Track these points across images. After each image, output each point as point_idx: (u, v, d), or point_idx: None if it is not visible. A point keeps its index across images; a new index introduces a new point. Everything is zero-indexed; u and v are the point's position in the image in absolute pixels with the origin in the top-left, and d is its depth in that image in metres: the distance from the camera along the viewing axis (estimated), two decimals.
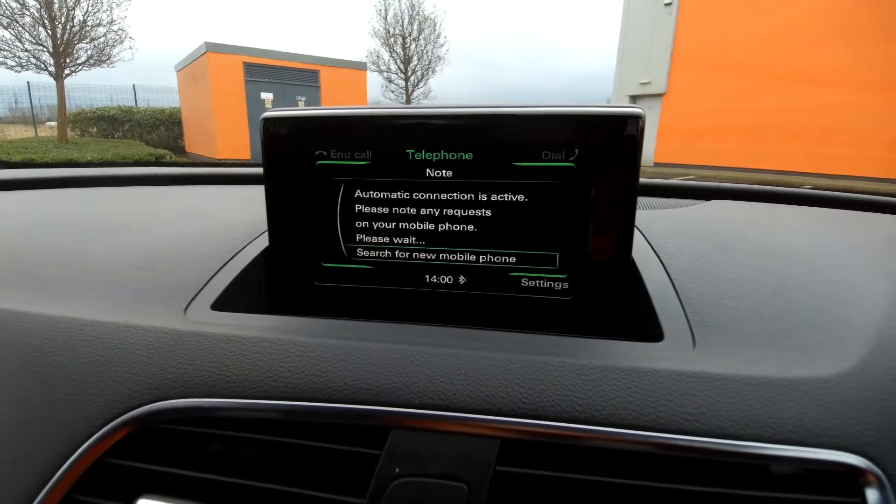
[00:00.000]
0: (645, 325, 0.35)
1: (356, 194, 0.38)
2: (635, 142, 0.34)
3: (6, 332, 0.35)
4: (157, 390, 0.31)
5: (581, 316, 0.38)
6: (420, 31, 16.44)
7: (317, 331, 0.33)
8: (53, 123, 12.65)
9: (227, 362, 0.31)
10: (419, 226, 0.38)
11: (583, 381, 0.29)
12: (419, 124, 0.36)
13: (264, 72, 10.82)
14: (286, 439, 0.30)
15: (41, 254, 0.44)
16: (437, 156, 0.36)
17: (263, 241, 0.44)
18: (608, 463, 0.28)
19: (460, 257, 0.38)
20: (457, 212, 0.37)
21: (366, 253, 0.39)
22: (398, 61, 16.69)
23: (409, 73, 16.73)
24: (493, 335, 0.33)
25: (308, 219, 0.39)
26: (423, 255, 0.39)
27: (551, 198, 0.36)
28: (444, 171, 0.36)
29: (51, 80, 10.76)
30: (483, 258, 0.38)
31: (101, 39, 11.00)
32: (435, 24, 16.51)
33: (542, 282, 0.38)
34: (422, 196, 0.37)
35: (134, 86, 14.30)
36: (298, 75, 11.34)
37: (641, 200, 0.63)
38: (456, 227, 0.37)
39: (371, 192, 0.38)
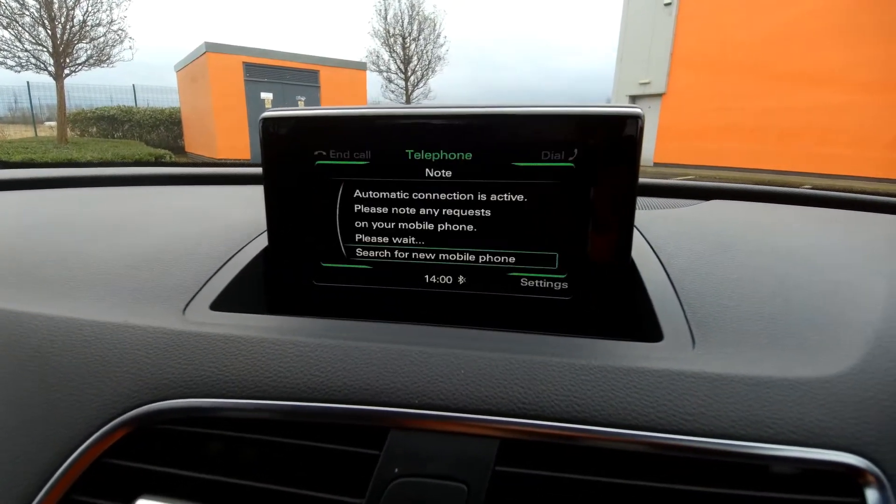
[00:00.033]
0: (644, 326, 0.35)
1: (355, 194, 0.38)
2: (635, 142, 0.34)
3: (5, 332, 0.35)
4: (156, 390, 0.31)
5: (580, 316, 0.38)
6: (420, 31, 16.46)
7: (316, 331, 0.33)
8: (53, 123, 12.65)
9: (226, 362, 0.31)
10: (418, 226, 0.38)
11: (582, 381, 0.29)
12: (418, 124, 0.36)
13: (264, 72, 10.83)
14: (285, 439, 0.30)
15: (40, 254, 0.43)
16: (436, 156, 0.36)
17: (262, 241, 0.44)
18: (607, 463, 0.27)
19: (460, 257, 0.38)
20: (456, 212, 0.37)
21: (365, 253, 0.39)
22: (398, 61, 16.70)
23: (409, 73, 16.74)
24: (492, 335, 0.33)
25: (307, 219, 0.39)
26: (422, 255, 0.39)
27: (551, 198, 0.36)
28: (443, 171, 0.36)
29: (50, 80, 10.76)
30: (482, 258, 0.38)
31: (101, 39, 11.02)
32: (435, 24, 16.53)
33: (541, 282, 0.38)
34: (421, 196, 0.37)
35: (134, 86, 14.31)
36: (298, 75, 11.34)
37: (641, 200, 0.63)
38: (455, 227, 0.37)
39: (370, 192, 0.38)
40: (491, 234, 0.37)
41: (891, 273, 0.37)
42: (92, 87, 13.68)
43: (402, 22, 16.31)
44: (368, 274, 0.40)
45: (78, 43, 10.65)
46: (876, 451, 0.25)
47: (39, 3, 9.91)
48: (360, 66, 13.01)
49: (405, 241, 0.38)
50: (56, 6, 10.13)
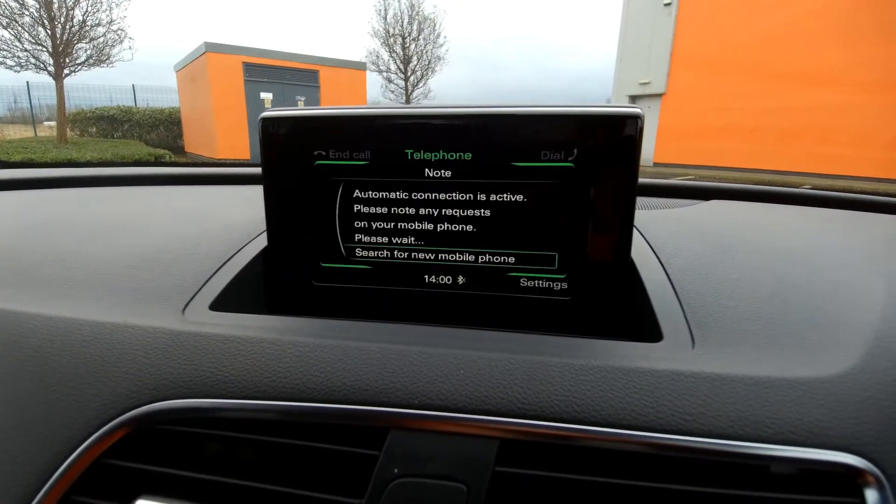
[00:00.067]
0: (644, 326, 0.35)
1: (355, 194, 0.38)
2: (634, 142, 0.34)
3: (4, 332, 0.35)
4: (155, 391, 0.31)
5: (580, 316, 0.38)
6: (420, 31, 16.46)
7: (315, 331, 0.33)
8: (52, 123, 12.64)
9: (225, 363, 0.31)
10: (418, 226, 0.38)
11: (582, 381, 0.28)
12: (418, 124, 0.36)
13: (264, 72, 10.82)
14: (284, 440, 0.30)
15: (39, 254, 0.43)
16: (435, 156, 0.36)
17: (262, 242, 0.44)
18: (607, 463, 0.27)
19: (459, 257, 0.38)
20: (455, 212, 0.37)
21: (364, 253, 0.39)
22: (398, 61, 16.70)
23: (409, 73, 16.74)
24: (491, 335, 0.33)
25: (307, 219, 0.39)
26: (421, 256, 0.39)
27: (550, 198, 0.36)
28: (442, 171, 0.36)
29: (50, 80, 10.76)
30: (482, 258, 0.38)
31: (101, 39, 11.01)
32: (435, 24, 16.53)
33: (541, 282, 0.38)
34: (420, 196, 0.37)
35: (133, 86, 14.31)
36: (298, 75, 11.34)
37: (641, 200, 0.63)
38: (455, 227, 0.37)
39: (370, 192, 0.38)
40: (490, 234, 0.37)
41: (890, 273, 0.37)
42: (91, 87, 13.68)
43: (402, 22, 16.33)
44: (368, 274, 0.40)
45: (77, 43, 10.64)
46: (875, 451, 0.25)
47: (39, 3, 9.91)
48: (360, 66, 13.01)
49: (405, 241, 0.38)
50: (56, 6, 10.12)
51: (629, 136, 0.34)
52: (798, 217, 0.56)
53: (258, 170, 0.41)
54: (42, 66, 10.43)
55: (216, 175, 0.78)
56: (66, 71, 10.66)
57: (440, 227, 0.38)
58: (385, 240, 0.39)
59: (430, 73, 16.88)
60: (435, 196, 0.37)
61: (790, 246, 0.42)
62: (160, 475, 0.30)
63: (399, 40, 16.40)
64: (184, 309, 0.36)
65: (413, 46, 16.53)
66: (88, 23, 10.70)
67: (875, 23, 7.54)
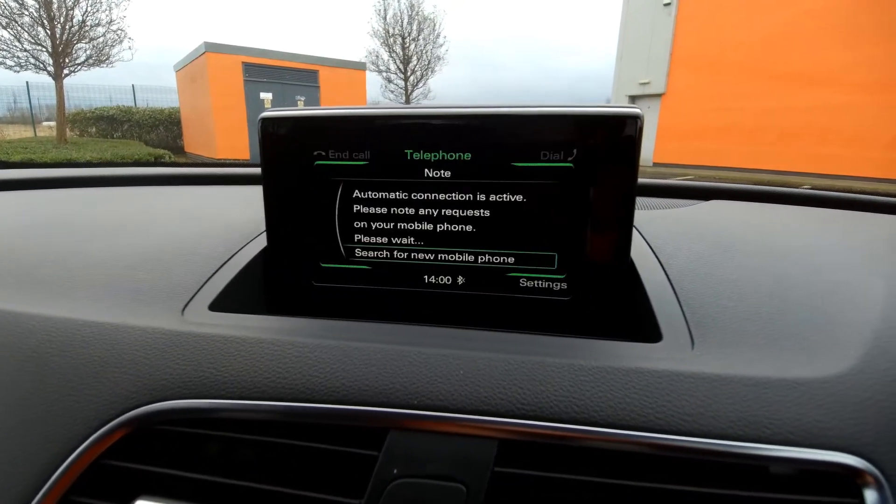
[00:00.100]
0: (643, 326, 0.35)
1: (354, 194, 0.38)
2: (634, 142, 0.34)
3: (3, 332, 0.35)
4: (154, 391, 0.31)
5: (579, 316, 0.38)
6: (419, 30, 16.46)
7: (315, 331, 0.33)
8: (52, 123, 12.64)
9: (224, 363, 0.31)
10: (417, 226, 0.38)
11: (581, 381, 0.28)
12: (418, 124, 0.36)
13: (263, 72, 10.82)
14: (284, 440, 0.30)
15: (39, 254, 0.43)
16: (435, 156, 0.36)
17: (261, 242, 0.44)
18: (606, 463, 0.27)
19: (459, 257, 0.38)
20: (455, 212, 0.37)
21: (364, 253, 0.39)
22: (397, 61, 16.70)
23: (409, 73, 16.74)
24: (491, 336, 0.33)
25: (306, 219, 0.39)
26: (421, 256, 0.39)
27: (550, 198, 0.36)
28: (442, 172, 0.36)
29: (50, 80, 10.75)
30: (481, 258, 0.38)
31: (100, 39, 11.01)
32: (434, 24, 16.53)
33: (540, 282, 0.38)
34: (420, 196, 0.37)
35: (133, 86, 14.31)
36: (297, 75, 11.34)
37: (640, 200, 0.63)
38: (454, 228, 0.37)
39: (369, 193, 0.38)
40: (490, 235, 0.37)
41: (889, 273, 0.37)
42: (91, 87, 13.67)
43: (402, 22, 16.33)
44: (367, 274, 0.40)
45: (77, 43, 10.64)
46: (874, 451, 0.25)
47: (38, 3, 9.90)
48: (360, 66, 13.01)
49: (404, 241, 0.38)
50: (55, 6, 10.12)
51: (629, 137, 0.34)
52: (798, 217, 0.56)
53: (258, 170, 0.41)
54: (42, 66, 10.43)
55: (216, 175, 0.77)
56: (65, 71, 10.66)
57: (440, 227, 0.38)
58: (385, 240, 0.39)
59: (429, 73, 16.90)
60: (434, 196, 0.37)
61: (790, 246, 0.42)
62: (159, 476, 0.30)
63: (399, 40, 16.41)
64: (183, 309, 0.36)
65: (413, 46, 16.54)
66: (88, 23, 10.71)
67: (875, 23, 7.54)
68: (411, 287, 0.39)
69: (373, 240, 0.39)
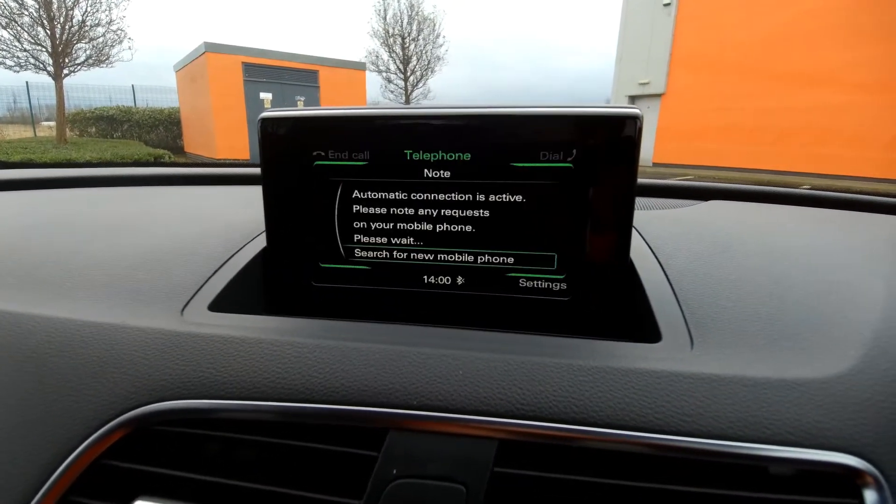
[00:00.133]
0: (643, 326, 0.35)
1: (354, 195, 0.38)
2: (633, 142, 0.34)
3: (3, 333, 0.35)
4: (153, 392, 0.31)
5: (579, 316, 0.38)
6: (419, 31, 16.46)
7: (314, 332, 0.33)
8: (52, 123, 12.64)
9: (224, 363, 0.31)
10: (417, 226, 0.38)
11: (580, 381, 0.29)
12: (417, 125, 0.36)
13: (263, 72, 10.83)
14: (283, 440, 0.30)
15: (38, 255, 0.43)
16: (434, 156, 0.36)
17: (261, 242, 0.44)
18: (606, 464, 0.27)
19: (458, 258, 0.38)
20: (455, 212, 0.37)
21: (364, 253, 0.39)
22: (397, 61, 16.70)
23: (409, 74, 16.74)
24: (490, 336, 0.33)
25: (306, 219, 0.39)
26: (420, 256, 0.39)
27: (549, 198, 0.36)
28: (442, 172, 0.36)
29: (49, 80, 10.75)
30: (481, 259, 0.38)
31: (100, 39, 11.01)
32: (434, 24, 16.53)
33: (540, 282, 0.38)
34: (420, 196, 0.37)
35: (133, 86, 14.31)
36: (297, 75, 11.34)
37: (640, 201, 0.63)
38: (454, 228, 0.37)
39: (369, 193, 0.38)
40: (489, 235, 0.37)
41: (889, 274, 0.37)
42: (91, 87, 13.68)
43: (402, 22, 16.33)
44: (367, 274, 0.40)
45: (77, 43, 10.64)
46: (873, 451, 0.25)
47: (38, 3, 9.90)
48: (360, 67, 13.01)
49: (404, 241, 0.38)
50: (55, 6, 10.12)
51: (628, 137, 0.34)
52: (797, 217, 0.56)
53: (257, 170, 0.41)
54: (41, 66, 10.43)
55: (215, 175, 0.77)
56: (65, 71, 10.66)
57: (439, 227, 0.38)
58: (384, 240, 0.39)
59: (429, 73, 16.90)
60: (434, 196, 0.37)
61: (789, 246, 0.42)
62: (159, 476, 0.30)
63: (398, 40, 16.41)
64: (182, 310, 0.36)
65: (412, 46, 16.54)
66: (88, 23, 10.71)
67: (875, 23, 7.54)
68: (411, 287, 0.39)
69: (372, 240, 0.39)
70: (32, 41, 10.17)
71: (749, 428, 0.26)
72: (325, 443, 0.29)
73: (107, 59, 11.14)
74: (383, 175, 0.37)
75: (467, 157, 0.36)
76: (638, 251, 0.41)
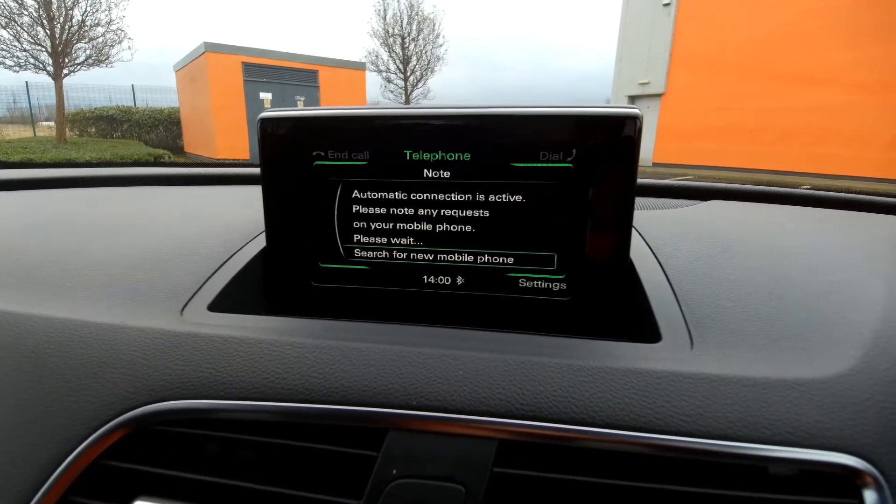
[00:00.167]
0: (642, 326, 0.35)
1: (354, 195, 0.38)
2: (633, 142, 0.34)
3: (2, 333, 0.35)
4: (153, 392, 0.31)
5: (579, 316, 0.38)
6: (419, 30, 16.46)
7: (314, 332, 0.33)
8: (51, 123, 12.64)
9: (223, 364, 0.31)
10: (417, 226, 0.38)
11: (580, 382, 0.28)
12: (417, 125, 0.36)
13: (263, 72, 10.82)
14: (283, 441, 0.30)
15: (38, 254, 0.43)
16: (434, 156, 0.36)
17: (261, 242, 0.44)
18: (605, 464, 0.27)
19: (458, 258, 0.38)
20: (454, 212, 0.37)
21: (363, 253, 0.39)
22: (397, 61, 16.70)
23: (409, 74, 16.73)
24: (490, 336, 0.33)
25: (305, 219, 0.39)
26: (420, 256, 0.39)
27: (549, 198, 0.36)
28: (441, 172, 0.36)
29: (49, 80, 10.75)
30: (481, 259, 0.38)
31: (100, 39, 11.01)
32: (434, 24, 16.53)
33: (539, 282, 0.38)
34: (419, 196, 0.37)
35: (133, 86, 14.31)
36: (297, 75, 11.34)
37: (639, 201, 0.63)
38: (453, 228, 0.37)
39: (369, 193, 0.38)
40: (489, 235, 0.37)
41: (888, 274, 0.37)
42: (91, 87, 13.68)
43: (402, 22, 16.33)
44: (367, 275, 0.40)
45: (77, 43, 10.64)
46: (873, 452, 0.25)
47: (38, 2, 9.90)
48: (359, 66, 13.01)
49: (403, 241, 0.38)
50: (55, 6, 10.11)
51: (628, 137, 0.34)
52: (797, 217, 0.56)
53: (257, 170, 0.41)
54: (41, 66, 10.42)
55: (215, 175, 0.77)
56: (65, 71, 10.66)
57: (439, 227, 0.38)
58: (384, 240, 0.39)
59: (429, 73, 16.90)
60: (434, 196, 0.37)
61: (789, 246, 0.42)
62: (158, 476, 0.30)
63: (398, 40, 16.41)
64: (182, 310, 0.36)
65: (412, 46, 16.54)
66: (87, 23, 10.71)
67: (875, 23, 7.54)
68: (410, 287, 0.39)
69: (372, 240, 0.39)
70: (32, 41, 10.17)
71: (749, 428, 0.26)
72: (324, 443, 0.29)
73: (106, 59, 11.14)
74: (383, 175, 0.37)
75: (467, 157, 0.36)
76: (638, 251, 0.41)
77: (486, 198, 0.36)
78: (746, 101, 9.21)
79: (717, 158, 9.68)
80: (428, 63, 16.76)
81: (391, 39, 16.43)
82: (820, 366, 0.28)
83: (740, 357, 0.29)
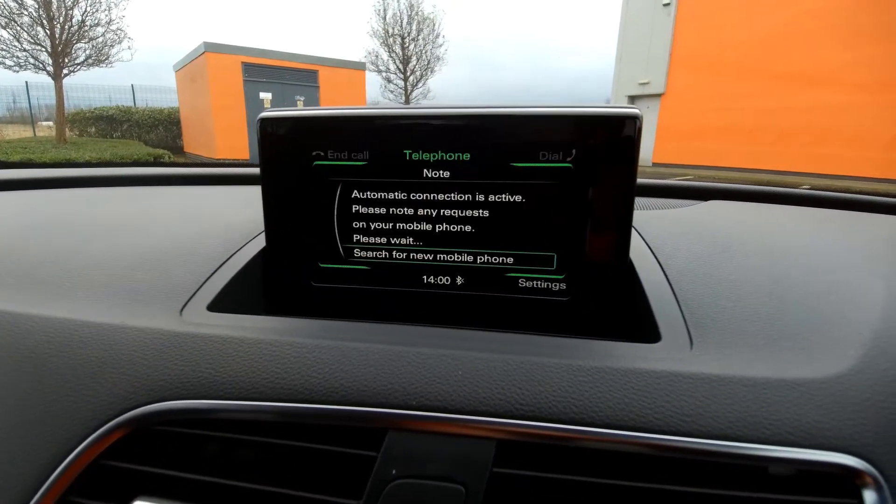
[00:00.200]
0: (642, 326, 0.35)
1: (353, 195, 0.38)
2: (633, 142, 0.34)
3: (1, 333, 0.35)
4: (152, 392, 0.31)
5: (578, 316, 0.38)
6: (419, 30, 16.45)
7: (314, 332, 0.33)
8: (51, 123, 12.64)
9: (223, 364, 0.31)
10: (416, 226, 0.38)
11: (580, 382, 0.28)
12: (417, 125, 0.36)
13: (263, 72, 10.82)
14: (282, 441, 0.30)
15: (37, 254, 0.43)
16: (434, 156, 0.36)
17: (260, 242, 0.44)
18: (605, 464, 0.27)
19: (458, 258, 0.38)
20: (454, 212, 0.37)
21: (363, 254, 0.39)
22: (397, 61, 16.70)
23: (408, 74, 16.73)
24: (490, 336, 0.33)
25: (305, 219, 0.39)
26: (420, 256, 0.39)
27: (549, 198, 0.36)
28: (441, 172, 0.36)
29: (49, 80, 10.75)
30: (480, 259, 0.38)
31: (100, 39, 11.01)
32: (434, 24, 16.52)
33: (539, 282, 0.37)
34: (419, 196, 0.37)
35: (132, 86, 14.30)
36: (297, 75, 11.34)
37: (639, 201, 0.63)
38: (453, 228, 0.37)
39: (368, 193, 0.38)
40: (489, 235, 0.37)
41: (888, 274, 0.37)
42: (90, 87, 13.67)
43: (401, 22, 16.33)
44: (366, 275, 0.40)
45: (76, 43, 10.64)
46: (873, 452, 0.25)
47: (38, 2, 9.90)
48: (359, 66, 13.01)
49: (403, 241, 0.38)
50: (54, 6, 10.11)
51: (628, 137, 0.34)
52: (796, 217, 0.56)
53: (257, 170, 0.41)
54: (41, 66, 10.42)
55: (215, 175, 0.77)
56: (64, 71, 10.66)
57: (438, 227, 0.38)
58: (383, 240, 0.39)
59: (429, 73, 16.89)
60: (433, 196, 0.37)
61: (788, 246, 0.42)
62: (158, 476, 0.30)
63: (398, 40, 16.41)
64: (181, 310, 0.36)
65: (412, 46, 16.53)
66: (87, 23, 10.71)
67: (875, 23, 7.54)
68: (410, 287, 0.39)
69: (372, 240, 0.39)
70: (32, 41, 10.16)
71: (748, 428, 0.26)
72: (324, 443, 0.29)
73: (106, 58, 11.14)
74: (383, 175, 0.37)
75: (467, 157, 0.36)
76: (637, 251, 0.41)
77: (486, 198, 0.36)
78: (746, 101, 9.21)
79: (716, 158, 9.68)
80: (428, 63, 16.77)
81: (391, 39, 16.43)
82: (820, 366, 0.28)
83: (740, 357, 0.29)
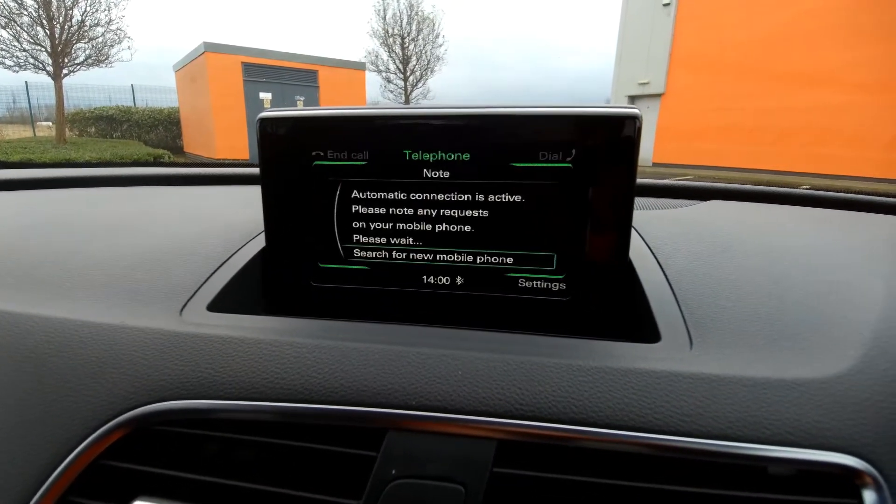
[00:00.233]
0: (642, 326, 0.35)
1: (353, 195, 0.38)
2: (633, 142, 0.34)
3: (1, 333, 0.35)
4: (152, 392, 0.31)
5: (578, 316, 0.38)
6: (419, 30, 16.46)
7: (313, 332, 0.33)
8: (51, 123, 12.64)
9: (222, 364, 0.31)
10: (416, 226, 0.38)
11: (579, 382, 0.28)
12: (416, 125, 0.36)
13: (263, 72, 10.83)
14: (282, 441, 0.30)
15: (37, 254, 0.43)
16: (434, 156, 0.36)
17: (260, 242, 0.44)
18: (605, 464, 0.27)
19: (457, 258, 0.38)
20: (454, 212, 0.37)
21: (363, 254, 0.39)
22: (397, 61, 16.70)
23: (408, 74, 16.73)
24: (489, 336, 0.33)
25: (305, 219, 0.39)
26: (420, 256, 0.39)
27: (548, 198, 0.36)
28: (441, 172, 0.36)
29: (49, 80, 10.75)
30: (480, 259, 0.38)
31: (100, 39, 11.02)
32: (434, 24, 16.53)
33: (539, 282, 0.37)
34: (419, 196, 0.37)
35: (132, 86, 14.31)
36: (297, 75, 11.34)
37: (639, 201, 0.63)
38: (453, 228, 0.37)
39: (368, 193, 0.38)
40: (489, 235, 0.37)
41: (888, 274, 0.37)
42: (90, 87, 13.67)
43: (401, 22, 16.33)
44: (366, 275, 0.40)
45: (76, 43, 10.64)
46: (873, 452, 0.25)
47: (38, 2, 9.90)
48: (359, 66, 13.01)
49: (403, 241, 0.38)
50: (54, 6, 10.11)
51: (627, 137, 0.34)
52: (797, 217, 0.56)
53: (257, 170, 0.41)
54: (41, 66, 10.42)
55: (215, 175, 0.77)
56: (64, 71, 10.66)
57: (438, 227, 0.38)
58: (383, 240, 0.39)
59: (429, 73, 16.89)
60: (433, 196, 0.37)
61: (788, 246, 0.42)
62: (158, 476, 0.30)
63: (398, 40, 16.41)
64: (181, 310, 0.36)
65: (412, 46, 16.53)
66: (87, 23, 10.71)
67: (875, 23, 7.54)
68: (410, 287, 0.39)
69: (371, 240, 0.39)
70: (32, 41, 10.17)
71: (748, 428, 0.26)
72: (323, 443, 0.29)
73: (106, 58, 11.15)
74: (382, 175, 0.37)
75: (466, 157, 0.36)
76: (637, 251, 0.41)
77: (486, 198, 0.36)
78: (746, 101, 9.21)
79: (716, 158, 9.69)
80: (428, 63, 16.77)
81: (391, 39, 16.44)
82: (820, 366, 0.28)
83: (740, 357, 0.29)
